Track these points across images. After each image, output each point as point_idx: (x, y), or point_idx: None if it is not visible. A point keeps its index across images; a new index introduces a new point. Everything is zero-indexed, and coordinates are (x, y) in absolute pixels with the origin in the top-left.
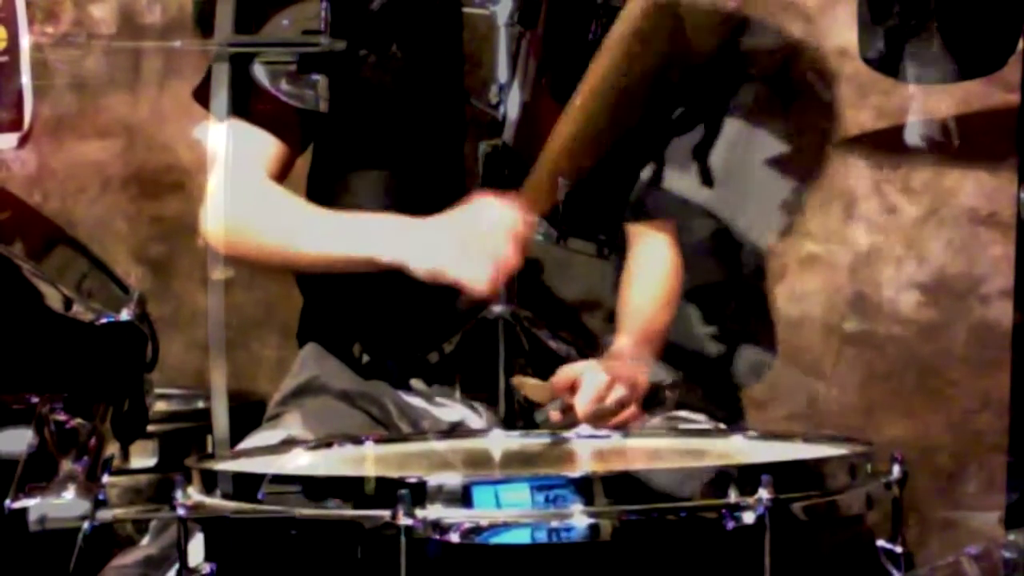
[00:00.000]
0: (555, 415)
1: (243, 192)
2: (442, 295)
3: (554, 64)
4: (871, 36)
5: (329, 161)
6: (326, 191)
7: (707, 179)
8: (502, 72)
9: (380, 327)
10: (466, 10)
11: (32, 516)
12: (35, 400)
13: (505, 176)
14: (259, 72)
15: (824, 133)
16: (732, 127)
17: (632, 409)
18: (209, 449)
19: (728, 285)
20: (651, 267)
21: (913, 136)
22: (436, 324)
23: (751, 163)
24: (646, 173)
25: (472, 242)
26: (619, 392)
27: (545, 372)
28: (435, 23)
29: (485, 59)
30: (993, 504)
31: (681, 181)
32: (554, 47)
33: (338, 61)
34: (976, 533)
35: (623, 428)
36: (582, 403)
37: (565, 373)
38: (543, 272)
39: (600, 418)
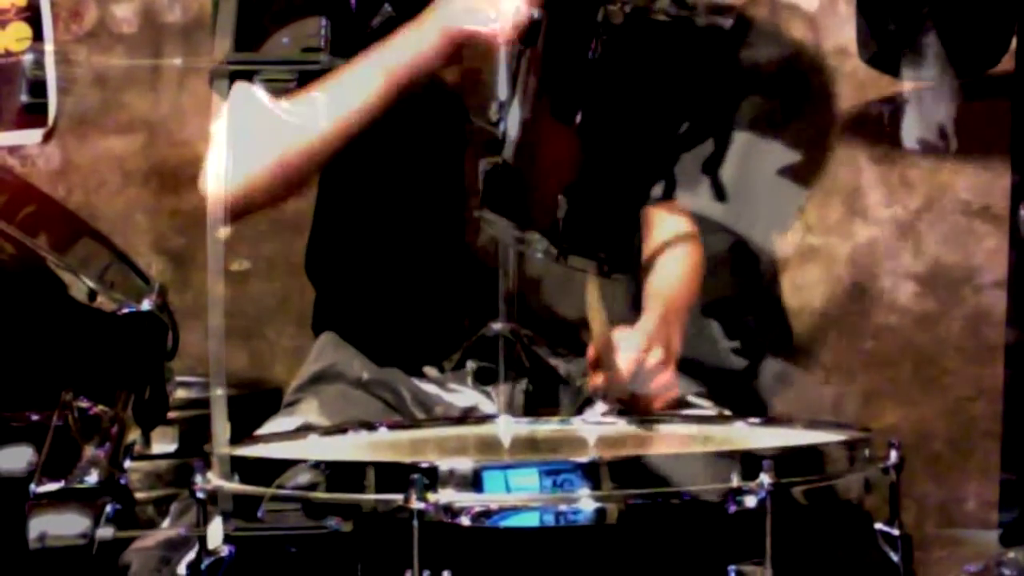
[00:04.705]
0: (597, 380)
1: (255, 121)
2: (445, 308)
3: (554, 82)
4: (869, 44)
5: (337, 172)
6: (337, 197)
7: (719, 194)
8: (502, 90)
9: (385, 330)
10: None
11: (32, 533)
12: (35, 417)
13: (506, 194)
14: (259, 90)
15: (830, 138)
16: (740, 139)
17: (670, 372)
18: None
19: (748, 298)
20: (670, 246)
21: (911, 140)
22: (438, 338)
23: (762, 174)
24: (657, 191)
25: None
26: (656, 354)
27: (545, 389)
28: None
29: (485, 77)
30: (986, 491)
31: (693, 197)
32: (554, 65)
33: None
34: (975, 550)
35: (661, 392)
36: (624, 362)
37: (602, 340)
38: (543, 290)
39: (640, 381)
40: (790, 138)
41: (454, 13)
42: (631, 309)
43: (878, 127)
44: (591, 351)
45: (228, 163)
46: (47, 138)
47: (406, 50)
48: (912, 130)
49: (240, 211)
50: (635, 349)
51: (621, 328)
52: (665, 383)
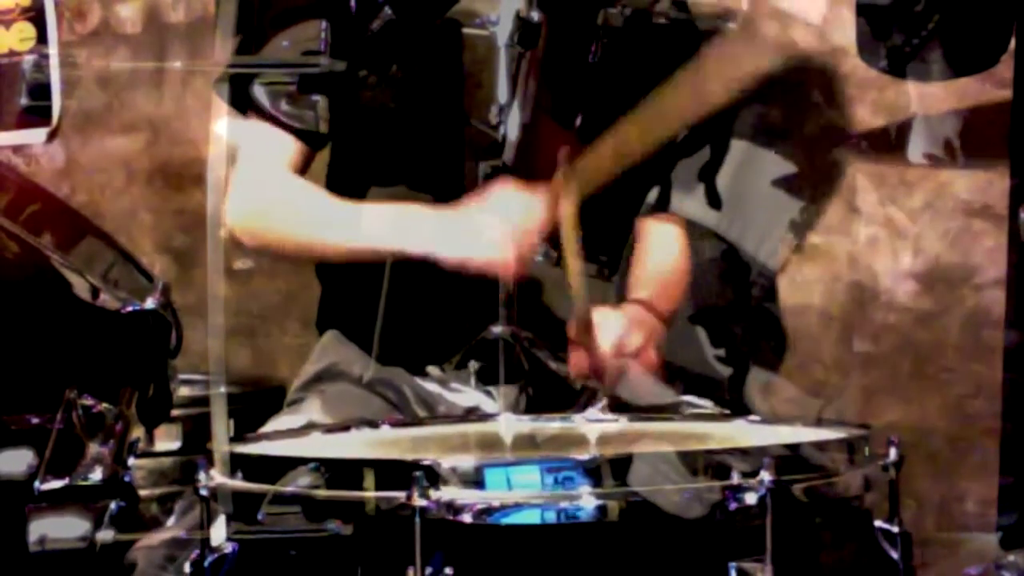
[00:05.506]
0: (575, 357)
1: (266, 185)
2: (447, 309)
3: (554, 85)
4: (873, 47)
5: (341, 175)
6: (342, 198)
7: (714, 201)
8: (502, 93)
9: (388, 329)
10: (466, 31)
11: (32, 536)
12: (35, 421)
13: None
14: (259, 93)
15: (831, 150)
16: (738, 148)
17: (650, 353)
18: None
19: (736, 307)
20: (661, 248)
21: (916, 155)
22: (441, 338)
23: (758, 184)
24: (652, 195)
25: (495, 229)
26: (637, 337)
27: (544, 393)
28: (435, 44)
29: (485, 80)
30: (986, 488)
31: (688, 203)
32: (554, 68)
33: (338, 82)
34: (975, 548)
35: (637, 378)
36: (605, 341)
37: (582, 318)
38: (543, 293)
39: (620, 360)
40: (788, 148)
41: (472, 247)
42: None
43: (877, 125)
44: (570, 328)
45: (240, 210)
46: (51, 137)
47: (423, 244)
48: (918, 145)
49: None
50: (615, 330)
51: (603, 309)
52: (642, 368)
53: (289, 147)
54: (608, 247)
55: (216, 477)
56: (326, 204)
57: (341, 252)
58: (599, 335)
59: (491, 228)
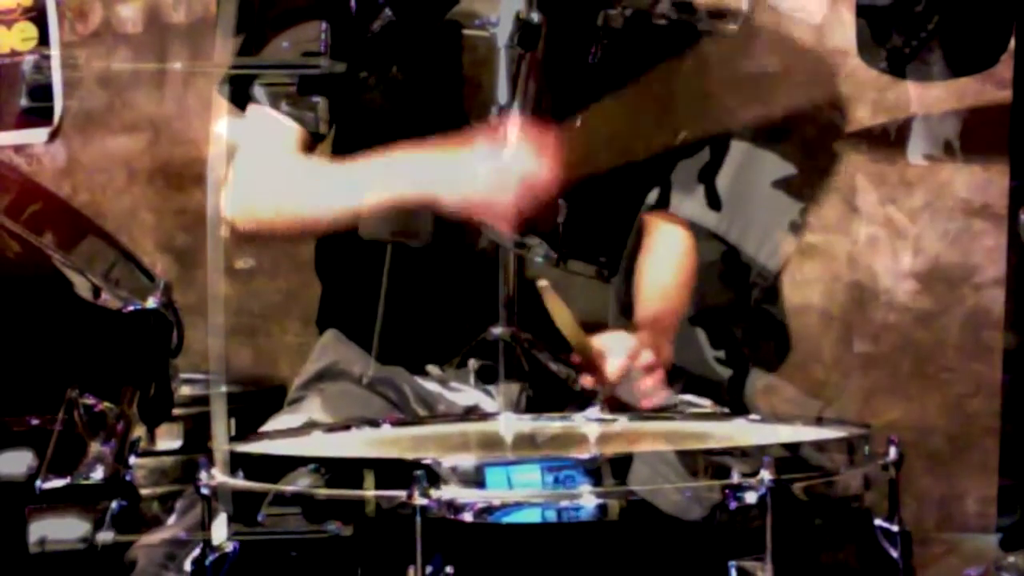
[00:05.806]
0: (586, 380)
1: (266, 167)
2: (448, 308)
3: (554, 86)
4: (873, 48)
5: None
6: None
7: (714, 202)
8: (502, 94)
9: (389, 329)
10: (466, 32)
11: (32, 538)
12: (35, 422)
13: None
14: (259, 94)
15: (832, 154)
16: (738, 149)
17: (659, 374)
18: (232, 432)
19: (736, 308)
20: (665, 252)
21: (916, 155)
22: (441, 338)
23: (758, 185)
24: (652, 196)
25: (501, 182)
26: (647, 357)
27: (544, 393)
28: (435, 45)
29: (485, 81)
30: (985, 487)
31: (688, 204)
32: (554, 69)
33: (338, 83)
34: (974, 547)
35: (649, 394)
36: (613, 363)
37: (581, 345)
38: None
39: (629, 381)
40: (789, 149)
41: (476, 193)
42: (621, 313)
43: (877, 125)
44: (574, 357)
45: (242, 194)
46: (53, 137)
47: (423, 187)
48: (918, 145)
49: (248, 234)
50: (624, 353)
51: (612, 332)
52: (653, 387)
53: (291, 135)
54: (608, 247)
55: (217, 476)
56: (321, 167)
57: (341, 216)
58: (608, 361)
59: (492, 171)
